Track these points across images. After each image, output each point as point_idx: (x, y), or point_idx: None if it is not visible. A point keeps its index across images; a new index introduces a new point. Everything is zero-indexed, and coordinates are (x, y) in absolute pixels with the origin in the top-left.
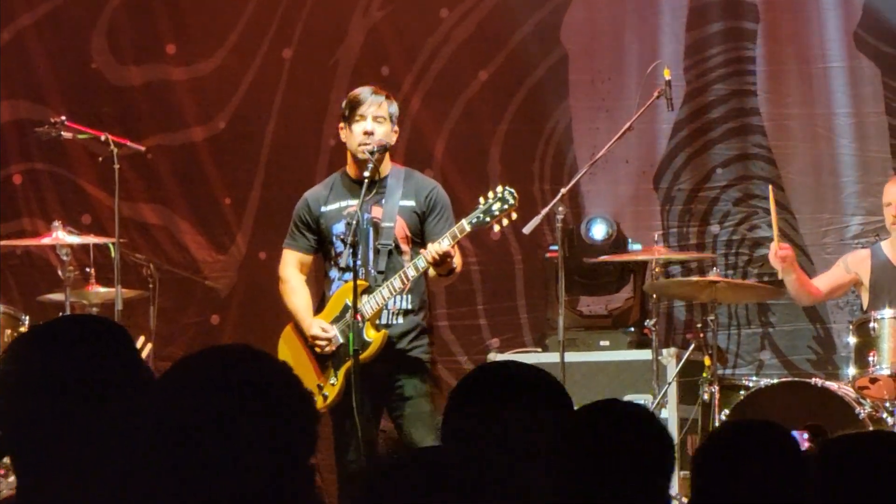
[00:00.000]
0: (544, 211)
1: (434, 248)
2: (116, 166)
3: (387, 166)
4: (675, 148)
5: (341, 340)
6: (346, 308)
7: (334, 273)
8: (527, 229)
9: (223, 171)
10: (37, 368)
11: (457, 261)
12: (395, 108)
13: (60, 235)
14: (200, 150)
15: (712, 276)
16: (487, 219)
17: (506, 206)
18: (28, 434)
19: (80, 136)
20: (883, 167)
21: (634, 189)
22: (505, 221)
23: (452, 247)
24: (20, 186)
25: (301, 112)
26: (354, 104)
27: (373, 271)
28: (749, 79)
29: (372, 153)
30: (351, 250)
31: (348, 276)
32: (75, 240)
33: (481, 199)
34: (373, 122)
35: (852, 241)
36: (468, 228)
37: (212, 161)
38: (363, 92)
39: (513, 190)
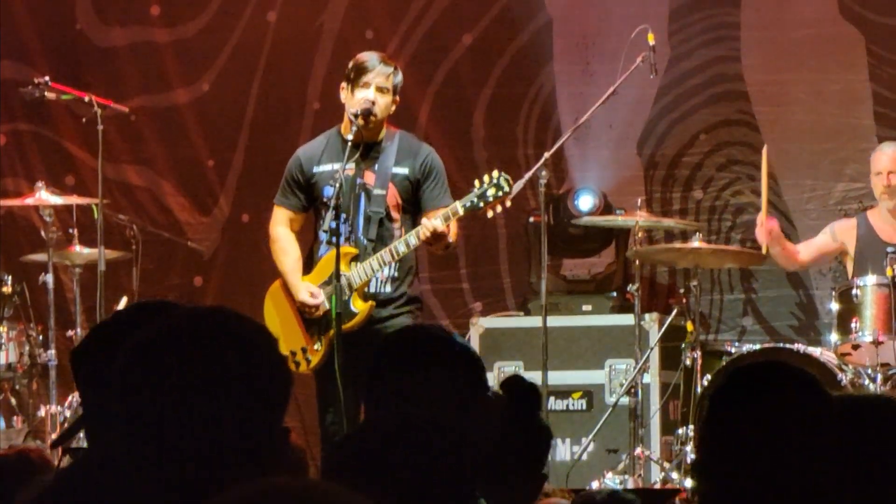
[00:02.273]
0: (527, 175)
1: (428, 226)
2: (100, 127)
3: (382, 130)
4: (658, 113)
5: (328, 307)
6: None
7: (324, 235)
8: None
9: (207, 134)
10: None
11: (452, 233)
12: (399, 78)
13: (44, 196)
14: (184, 111)
15: (695, 241)
16: (481, 204)
17: (500, 193)
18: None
19: (64, 97)
20: (867, 134)
21: (618, 154)
22: (499, 208)
23: (447, 226)
24: (4, 147)
25: (285, 75)
26: (361, 70)
27: (363, 239)
28: (734, 44)
29: (355, 116)
30: (333, 213)
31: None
32: (58, 200)
33: (476, 183)
34: (376, 92)
35: (835, 208)
36: (461, 212)
37: (196, 123)
38: (372, 59)
39: (508, 177)
